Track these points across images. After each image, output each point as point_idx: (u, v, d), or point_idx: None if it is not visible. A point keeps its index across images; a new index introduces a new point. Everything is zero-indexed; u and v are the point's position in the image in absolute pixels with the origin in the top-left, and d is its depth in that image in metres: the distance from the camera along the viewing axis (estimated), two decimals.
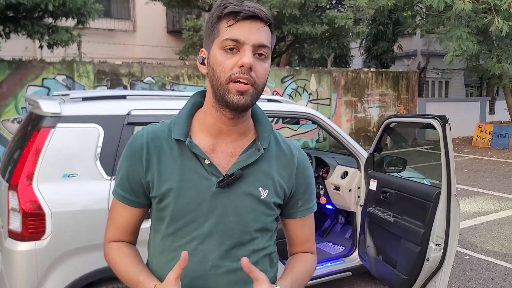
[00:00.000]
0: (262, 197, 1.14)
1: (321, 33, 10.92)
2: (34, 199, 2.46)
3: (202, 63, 1.13)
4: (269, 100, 3.52)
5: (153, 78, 9.86)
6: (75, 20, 8.64)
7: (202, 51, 1.13)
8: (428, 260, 2.72)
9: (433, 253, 2.70)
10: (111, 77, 9.51)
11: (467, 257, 4.59)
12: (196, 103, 1.21)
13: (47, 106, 2.62)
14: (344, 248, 3.92)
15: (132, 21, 16.78)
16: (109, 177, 2.65)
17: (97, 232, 2.57)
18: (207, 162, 1.12)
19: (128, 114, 2.80)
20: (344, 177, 3.76)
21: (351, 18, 10.77)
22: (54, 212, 2.48)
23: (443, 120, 2.54)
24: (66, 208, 2.53)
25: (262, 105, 3.52)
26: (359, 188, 3.64)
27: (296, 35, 11.16)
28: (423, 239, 2.72)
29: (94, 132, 2.68)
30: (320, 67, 13.29)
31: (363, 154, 3.62)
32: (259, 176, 1.15)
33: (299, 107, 3.57)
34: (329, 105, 12.39)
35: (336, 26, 10.55)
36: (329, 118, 12.15)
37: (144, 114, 2.85)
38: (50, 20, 8.67)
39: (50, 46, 8.69)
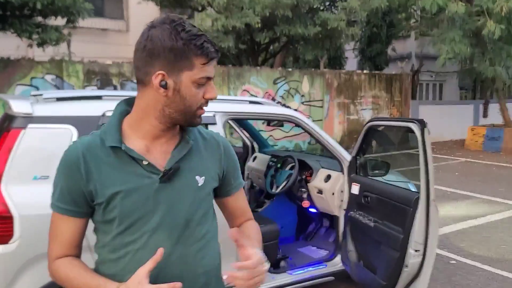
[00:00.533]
0: (199, 184, 1.28)
1: (314, 35, 10.88)
2: (1, 202, 2.40)
3: (164, 87, 1.18)
4: (250, 102, 3.48)
5: None
6: (65, 19, 8.56)
7: (162, 74, 1.17)
8: (407, 266, 2.67)
9: (412, 259, 2.65)
10: (101, 77, 9.44)
11: (454, 262, 4.56)
12: (123, 112, 1.28)
13: (18, 106, 2.55)
14: (327, 252, 3.86)
15: (125, 21, 16.72)
16: None
17: None
18: (145, 163, 1.22)
19: (103, 115, 2.74)
20: (327, 181, 3.71)
21: (343, 20, 10.74)
22: (23, 216, 2.42)
23: (422, 124, 2.50)
24: (36, 212, 2.46)
25: (244, 107, 3.48)
26: (342, 192, 3.59)
27: (289, 36, 11.12)
28: (402, 245, 2.68)
29: (67, 133, 2.61)
30: (313, 69, 13.27)
31: (346, 157, 3.57)
32: (193, 166, 1.28)
33: (281, 109, 3.52)
34: (322, 107, 12.37)
35: (328, 28, 10.50)
36: (321, 120, 12.18)
37: None
38: (40, 18, 8.60)
39: (39, 44, 8.62)
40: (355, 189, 3.32)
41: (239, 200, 1.47)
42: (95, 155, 1.21)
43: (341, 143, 12.83)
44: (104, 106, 2.79)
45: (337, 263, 3.59)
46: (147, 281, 1.10)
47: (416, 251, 2.64)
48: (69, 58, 9.60)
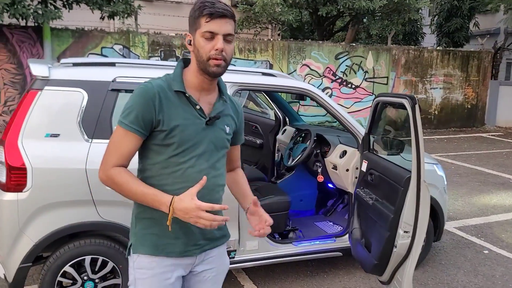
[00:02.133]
0: (227, 131, 1.74)
1: (380, 8, 10.36)
2: (18, 155, 2.70)
3: (190, 44, 1.63)
4: (263, 74, 3.49)
5: None
6: None
7: (188, 35, 1.64)
8: (396, 246, 2.59)
9: (401, 239, 2.57)
10: (165, 48, 9.84)
11: (486, 252, 4.28)
12: (183, 67, 1.70)
13: (37, 70, 2.82)
14: (342, 228, 3.84)
15: None
16: (89, 139, 2.83)
17: (74, 190, 2.79)
18: (198, 107, 1.65)
19: (113, 80, 2.93)
20: (342, 157, 3.65)
21: None
22: (36, 168, 2.70)
23: (413, 100, 2.36)
24: (46, 165, 2.75)
25: (257, 78, 3.51)
26: (357, 169, 3.52)
27: (352, 10, 10.69)
28: (391, 224, 2.60)
29: (79, 96, 2.84)
30: (379, 44, 12.68)
31: (362, 134, 3.47)
32: (224, 118, 1.74)
33: (295, 82, 3.49)
34: (386, 84, 11.85)
35: (396, 1, 9.92)
36: None
37: (129, 82, 2.97)
38: None
39: (109, 17, 9.16)
40: (364, 166, 3.24)
41: (236, 150, 1.93)
42: (166, 95, 1.61)
43: None
44: (115, 72, 2.98)
45: (346, 240, 3.56)
46: (196, 198, 1.49)
47: (405, 232, 2.55)
48: (136, 29, 10.09)
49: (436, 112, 12.75)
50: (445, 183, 3.94)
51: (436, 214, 3.77)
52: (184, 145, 1.62)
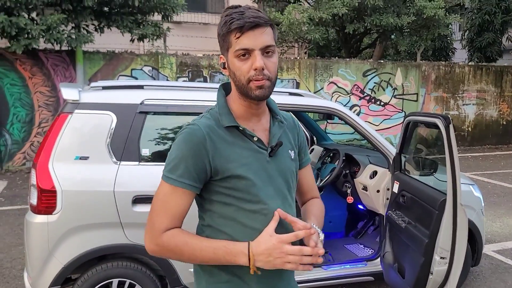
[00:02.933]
0: (292, 157, 1.47)
1: (408, 24, 10.23)
2: (48, 177, 2.74)
3: (224, 67, 1.38)
4: (290, 94, 3.46)
5: None
6: (160, 15, 9.21)
7: (221, 57, 1.38)
8: (432, 273, 2.47)
9: (437, 266, 2.44)
10: (192, 68, 9.99)
11: None
12: (224, 95, 1.44)
13: (68, 94, 2.88)
14: (373, 251, 3.71)
15: None
16: (117, 161, 2.84)
17: (102, 212, 2.80)
18: (255, 139, 1.37)
19: (141, 103, 2.96)
20: (373, 177, 3.55)
21: (442, 8, 9.91)
22: (65, 191, 2.74)
23: (447, 120, 2.27)
24: (75, 188, 2.78)
25: (283, 98, 3.49)
26: (388, 189, 3.41)
27: (380, 27, 10.61)
28: (426, 249, 2.48)
29: (108, 119, 2.88)
30: (408, 61, 12.50)
31: (393, 153, 3.37)
32: (285, 143, 1.45)
33: (322, 101, 3.44)
34: (416, 101, 11.62)
35: (424, 17, 9.79)
36: None
37: (157, 104, 2.99)
38: (139, 15, 9.36)
39: (139, 39, 9.40)
40: (396, 187, 3.14)
41: (307, 176, 1.59)
42: (217, 135, 1.34)
43: None
44: (143, 95, 3.02)
45: (378, 263, 3.43)
46: (275, 234, 1.25)
47: (441, 258, 2.42)
48: (165, 51, 10.30)
49: (469, 129, 12.39)
50: (483, 204, 3.77)
51: (474, 237, 3.60)
52: (252, 189, 1.34)
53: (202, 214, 1.42)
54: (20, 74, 8.58)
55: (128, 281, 2.89)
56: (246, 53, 1.28)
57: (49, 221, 2.73)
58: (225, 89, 1.45)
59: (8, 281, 3.84)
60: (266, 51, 1.30)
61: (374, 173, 3.56)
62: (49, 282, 2.74)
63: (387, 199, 3.40)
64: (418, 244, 2.59)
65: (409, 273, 2.71)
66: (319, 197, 1.63)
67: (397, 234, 2.99)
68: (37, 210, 2.75)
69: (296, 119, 1.59)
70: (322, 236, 1.34)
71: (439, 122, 2.36)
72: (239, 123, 1.36)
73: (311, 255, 1.22)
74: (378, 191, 3.47)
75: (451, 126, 2.28)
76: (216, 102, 1.41)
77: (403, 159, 3.24)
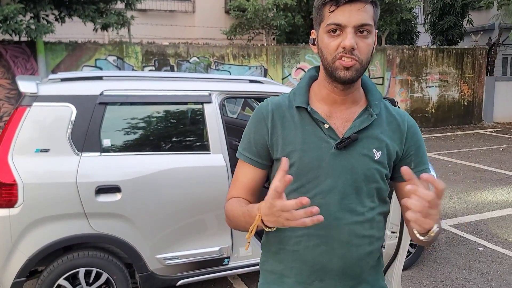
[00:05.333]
0: (376, 158, 1.25)
1: None
2: (8, 171, 2.74)
3: (313, 43, 1.28)
4: (251, 81, 3.53)
5: (198, 58, 10.12)
6: (123, 3, 9.06)
7: (313, 32, 1.28)
8: (383, 247, 2.61)
9: (388, 240, 2.59)
10: (158, 57, 9.91)
11: (481, 249, 4.30)
12: (312, 77, 1.35)
13: (25, 86, 2.86)
14: None
15: (192, 2, 17.17)
16: (79, 153, 2.86)
17: (66, 203, 2.82)
18: (326, 126, 1.25)
19: (101, 94, 2.97)
20: None
21: None
22: (26, 184, 2.74)
23: (392, 102, 2.40)
24: (36, 180, 2.78)
25: (244, 86, 3.54)
26: None
27: None
28: None
29: (67, 110, 2.88)
30: None
31: None
32: (372, 140, 1.26)
33: (281, 87, 3.53)
34: (382, 84, 11.90)
35: (387, 2, 9.99)
36: None
37: (117, 94, 3.01)
38: (102, 4, 9.18)
39: (102, 28, 9.23)
40: None
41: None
42: (282, 113, 1.29)
43: None
44: (103, 86, 3.03)
45: None
46: (282, 196, 1.04)
47: (392, 232, 2.57)
48: (130, 40, 10.16)
49: (433, 110, 12.79)
50: None
51: None
52: (304, 176, 1.24)
53: None
54: None
55: (95, 270, 2.93)
56: (337, 29, 1.17)
57: (11, 215, 2.73)
58: (318, 71, 1.34)
59: None
60: (360, 29, 1.17)
61: None
62: (14, 274, 2.75)
63: None
64: None
65: None
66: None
67: None
68: None
69: (410, 120, 1.35)
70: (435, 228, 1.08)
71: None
72: (313, 106, 1.27)
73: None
74: None
75: None
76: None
77: None
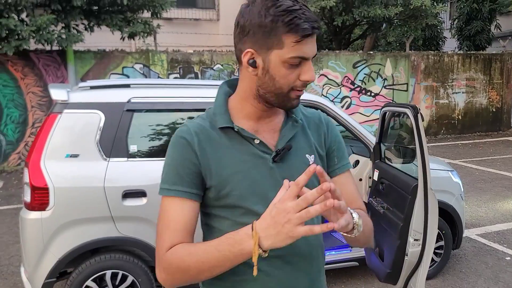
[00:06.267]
0: (310, 162, 1.21)
1: (396, 15, 10.35)
2: (40, 175, 2.86)
3: (252, 65, 1.12)
4: None
5: (222, 65, 10.24)
6: (150, 12, 9.28)
7: (251, 52, 1.11)
8: (407, 255, 2.61)
9: (411, 248, 2.58)
10: (183, 65, 10.08)
11: (508, 258, 4.21)
12: (226, 93, 1.25)
13: (56, 94, 2.99)
14: None
15: (216, 10, 17.40)
16: (106, 158, 2.96)
17: (94, 207, 2.92)
18: (256, 141, 1.18)
19: (128, 101, 3.07)
20: (355, 166, 3.68)
21: None
22: (57, 187, 2.85)
23: (415, 110, 2.40)
24: (67, 184, 2.89)
25: None
26: (370, 178, 3.55)
27: (368, 18, 10.71)
28: (401, 232, 2.62)
29: (96, 117, 2.99)
30: (397, 51, 12.62)
31: (374, 143, 3.51)
32: (302, 145, 1.22)
33: (304, 95, 3.56)
34: (406, 90, 11.76)
35: (411, 7, 9.90)
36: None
37: (143, 102, 3.11)
38: (129, 13, 9.43)
39: (129, 37, 9.47)
40: (376, 175, 3.27)
41: (346, 184, 1.28)
42: (208, 136, 1.17)
43: (428, 128, 12.17)
44: (130, 94, 3.13)
45: (362, 249, 3.57)
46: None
47: (415, 240, 2.56)
48: (155, 48, 10.37)
49: (459, 117, 12.54)
50: (462, 189, 3.91)
51: (454, 222, 3.75)
52: (249, 199, 1.14)
53: (203, 231, 1.23)
54: (12, 75, 8.65)
55: (121, 272, 3.02)
56: (299, 62, 1.09)
57: (43, 217, 2.85)
58: (230, 86, 1.25)
59: (7, 277, 3.97)
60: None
61: (357, 162, 3.70)
62: (45, 275, 2.86)
63: (370, 187, 3.54)
64: (394, 227, 2.73)
65: (387, 256, 2.85)
66: (366, 210, 1.34)
67: (377, 220, 3.12)
68: (31, 207, 2.87)
69: (325, 116, 1.34)
70: (355, 218, 1.08)
71: (408, 112, 2.49)
72: (238, 124, 1.18)
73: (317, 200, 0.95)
74: (360, 179, 3.61)
75: (419, 116, 2.41)
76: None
77: (382, 148, 3.38)
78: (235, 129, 1.16)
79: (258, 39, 1.09)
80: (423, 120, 2.42)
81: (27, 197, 2.88)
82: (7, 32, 7.15)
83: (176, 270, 1.09)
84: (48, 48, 8.50)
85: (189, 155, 1.14)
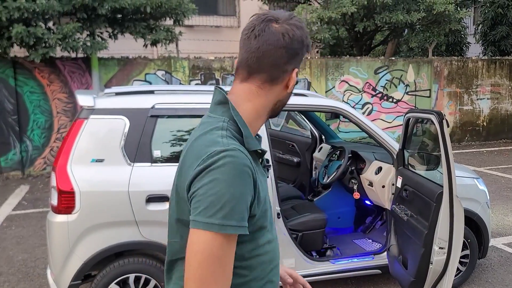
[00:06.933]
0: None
1: (418, 21, 10.23)
2: (67, 179, 2.92)
3: (287, 83, 1.18)
4: (295, 94, 3.58)
5: None
6: (172, 20, 9.41)
7: (296, 72, 1.17)
8: (431, 263, 2.56)
9: (436, 256, 2.54)
10: (205, 71, 10.17)
11: None
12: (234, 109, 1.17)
13: (83, 100, 3.05)
14: (380, 245, 3.81)
15: (237, 17, 17.54)
16: (131, 163, 3.01)
17: (118, 211, 2.97)
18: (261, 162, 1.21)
19: (152, 107, 3.12)
20: (378, 173, 3.65)
21: (452, 3, 9.88)
22: (83, 191, 2.91)
23: (440, 116, 2.36)
24: (92, 189, 2.95)
25: None
26: (393, 185, 3.51)
27: (390, 24, 10.63)
28: (426, 240, 2.57)
29: (121, 123, 3.05)
30: (419, 57, 12.46)
31: (397, 150, 3.47)
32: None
33: (326, 100, 3.56)
34: (429, 96, 11.59)
35: (434, 13, 9.78)
36: None
37: (167, 108, 3.15)
38: (152, 21, 9.59)
39: (152, 44, 9.63)
40: (399, 182, 3.23)
41: None
42: (252, 160, 1.08)
43: (452, 135, 11.96)
44: (154, 100, 3.18)
45: (385, 257, 3.52)
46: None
47: (440, 248, 2.52)
48: (177, 55, 10.50)
49: (484, 123, 12.29)
50: (488, 197, 3.83)
51: (480, 230, 3.67)
52: (269, 217, 1.16)
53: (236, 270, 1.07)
54: (39, 82, 8.88)
55: (144, 276, 3.05)
56: None
57: (69, 220, 2.91)
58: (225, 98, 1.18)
59: (33, 279, 4.05)
60: None
61: (379, 169, 3.66)
62: (70, 277, 2.92)
63: (393, 194, 3.50)
64: (419, 235, 2.69)
65: (411, 264, 2.81)
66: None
67: (400, 227, 3.08)
68: (57, 210, 2.93)
69: None
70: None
71: (433, 118, 2.46)
72: None
73: None
74: (383, 186, 3.57)
75: (444, 122, 2.38)
76: (230, 113, 1.13)
77: (406, 154, 3.34)
78: (259, 151, 1.13)
79: (299, 60, 1.18)
80: (448, 126, 2.39)
81: (54, 201, 2.95)
82: (34, 40, 7.35)
83: None
84: (73, 55, 8.71)
85: (250, 188, 1.04)
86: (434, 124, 2.45)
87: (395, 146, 3.47)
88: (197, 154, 1.06)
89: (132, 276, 3.04)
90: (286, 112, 5.63)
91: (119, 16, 8.81)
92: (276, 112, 1.21)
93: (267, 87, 1.15)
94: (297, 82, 1.19)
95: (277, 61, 1.14)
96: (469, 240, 3.58)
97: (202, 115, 3.18)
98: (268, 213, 1.14)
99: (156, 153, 3.09)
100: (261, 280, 1.13)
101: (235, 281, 1.06)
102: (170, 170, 3.11)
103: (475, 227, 3.63)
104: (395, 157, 3.44)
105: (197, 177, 1.02)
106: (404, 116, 3.18)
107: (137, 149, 3.04)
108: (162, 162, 3.09)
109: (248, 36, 1.14)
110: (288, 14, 1.17)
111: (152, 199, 2.98)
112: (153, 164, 3.05)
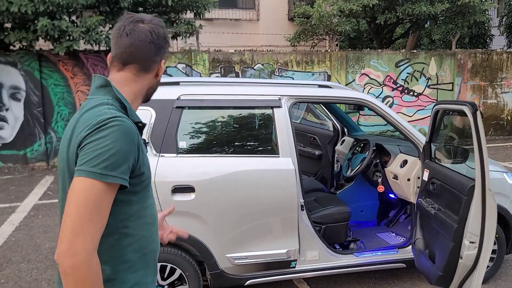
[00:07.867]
0: None
1: (442, 12, 10.03)
2: None
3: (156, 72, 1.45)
4: (319, 86, 3.55)
5: (262, 65, 10.27)
6: (192, 13, 9.43)
7: (163, 62, 1.47)
8: (461, 257, 2.53)
9: (467, 250, 2.50)
10: (224, 64, 10.17)
11: None
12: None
13: None
14: (405, 239, 3.77)
15: (256, 11, 17.46)
16: (157, 154, 3.04)
17: None
18: (143, 136, 1.42)
19: (178, 98, 3.14)
20: (403, 166, 3.60)
21: None
22: None
23: (474, 107, 2.31)
24: None
25: (313, 90, 3.60)
26: (419, 178, 3.46)
27: (413, 16, 10.45)
28: (456, 234, 2.53)
29: (147, 114, 3.07)
30: (442, 49, 12.23)
31: (423, 142, 3.42)
32: None
33: (351, 92, 3.53)
34: (452, 90, 11.38)
35: (459, 4, 9.57)
36: None
37: (192, 99, 3.16)
38: (173, 14, 9.63)
39: (173, 37, 9.67)
40: (426, 175, 3.19)
41: None
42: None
43: None
44: (179, 91, 3.19)
45: (410, 251, 3.49)
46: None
47: (471, 242, 2.48)
48: (198, 48, 10.53)
49: (509, 117, 12.02)
50: None
51: (508, 225, 3.59)
52: (148, 181, 1.37)
53: (116, 223, 1.25)
54: (63, 75, 9.01)
55: (169, 266, 3.08)
56: None
57: None
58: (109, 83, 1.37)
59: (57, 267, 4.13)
60: None
61: (405, 162, 3.62)
62: None
63: (418, 187, 3.45)
64: (448, 229, 2.64)
65: (439, 258, 2.77)
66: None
67: (427, 221, 3.04)
68: None
69: None
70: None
71: (466, 109, 2.41)
72: None
73: None
74: (408, 179, 3.52)
75: (478, 113, 2.32)
76: (113, 93, 1.32)
77: (433, 147, 3.28)
78: (140, 125, 1.34)
79: (164, 52, 1.44)
80: (482, 118, 2.34)
81: None
82: (59, 33, 7.46)
83: (85, 280, 1.13)
84: (96, 48, 8.80)
85: (136, 148, 1.24)
86: (468, 115, 2.40)
87: (421, 139, 3.42)
88: (87, 122, 1.21)
89: (158, 266, 3.06)
90: (306, 104, 5.60)
91: (141, 9, 8.86)
92: (149, 97, 1.46)
93: (142, 75, 1.39)
94: (165, 71, 1.34)
95: (148, 54, 1.37)
96: (497, 235, 3.51)
97: (228, 107, 3.22)
98: (150, 180, 1.37)
99: (182, 144, 3.10)
100: (149, 239, 1.35)
101: (126, 241, 1.28)
102: (195, 161, 3.14)
103: (503, 222, 3.56)
104: (421, 150, 3.39)
105: (86, 137, 1.19)
106: (433, 108, 3.12)
107: (163, 140, 3.06)
108: (187, 153, 3.11)
109: (120, 34, 1.35)
110: (151, 16, 1.42)
111: (178, 189, 3.00)
112: (179, 155, 3.07)
